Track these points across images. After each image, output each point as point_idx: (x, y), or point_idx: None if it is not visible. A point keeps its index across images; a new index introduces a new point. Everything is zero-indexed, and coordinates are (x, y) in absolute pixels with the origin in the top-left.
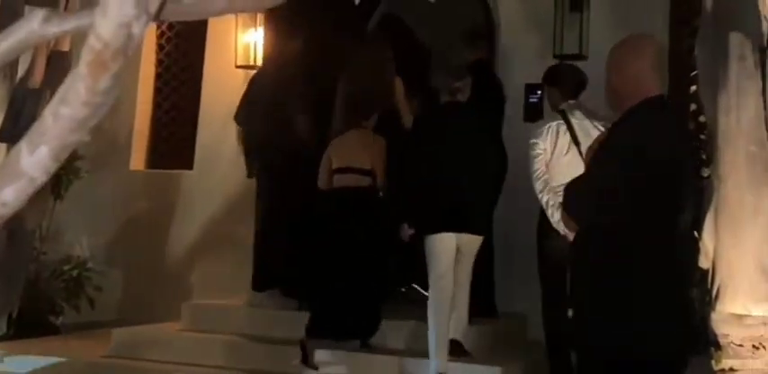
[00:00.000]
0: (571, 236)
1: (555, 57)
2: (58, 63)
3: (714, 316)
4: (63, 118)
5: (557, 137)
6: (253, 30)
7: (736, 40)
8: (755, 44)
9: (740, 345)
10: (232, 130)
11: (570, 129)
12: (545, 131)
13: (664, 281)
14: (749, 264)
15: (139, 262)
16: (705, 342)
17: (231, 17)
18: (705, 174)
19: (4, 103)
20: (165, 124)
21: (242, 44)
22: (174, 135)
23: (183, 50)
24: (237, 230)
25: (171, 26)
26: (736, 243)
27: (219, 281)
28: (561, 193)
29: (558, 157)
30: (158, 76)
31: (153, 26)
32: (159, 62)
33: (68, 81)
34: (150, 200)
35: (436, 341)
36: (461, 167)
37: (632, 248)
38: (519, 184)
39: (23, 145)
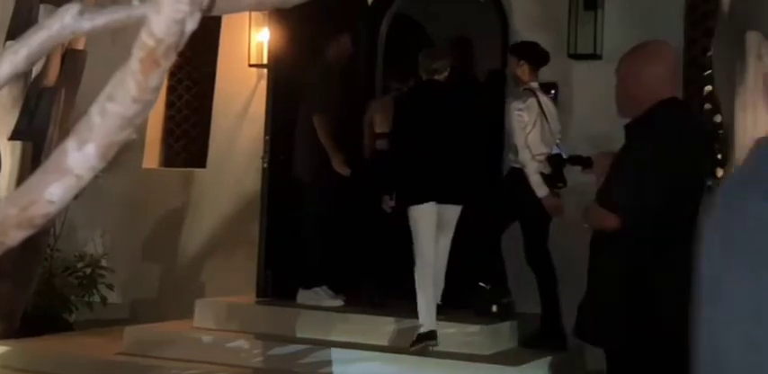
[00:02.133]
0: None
1: (569, 56)
2: (73, 62)
3: None
4: (111, 115)
5: (533, 112)
6: (266, 28)
7: (753, 39)
8: None
9: None
10: (245, 129)
11: (540, 106)
12: (528, 106)
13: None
14: None
15: (152, 259)
16: None
17: (244, 15)
18: (720, 175)
19: (19, 102)
20: (179, 122)
21: (255, 43)
22: (188, 133)
23: (196, 49)
24: (250, 228)
25: None
26: None
27: (232, 279)
28: (538, 159)
29: (533, 130)
30: (171, 75)
31: None
32: None
33: (117, 77)
34: (163, 199)
35: (426, 305)
36: (440, 141)
37: (669, 247)
38: None
39: (71, 141)
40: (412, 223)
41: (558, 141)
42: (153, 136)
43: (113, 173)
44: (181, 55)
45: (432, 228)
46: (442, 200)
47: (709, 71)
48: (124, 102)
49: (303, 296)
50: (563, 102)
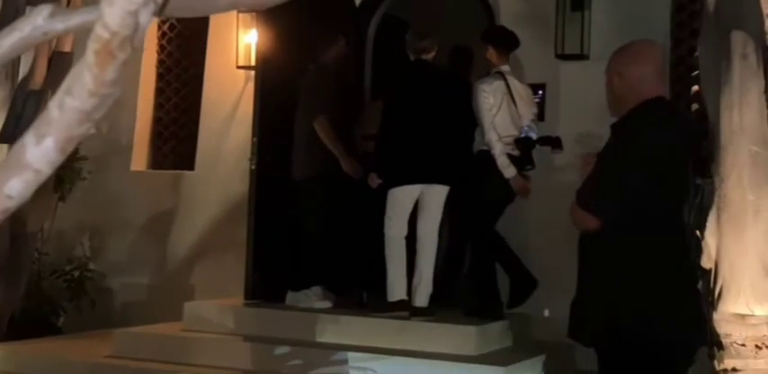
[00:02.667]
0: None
1: (557, 56)
2: (60, 64)
3: (716, 316)
4: (69, 109)
5: (499, 94)
6: (254, 30)
7: (738, 39)
8: (758, 43)
9: (743, 345)
10: (233, 130)
11: (509, 89)
12: (494, 88)
13: (681, 275)
14: (752, 264)
15: (141, 262)
16: (709, 335)
17: (232, 17)
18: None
19: (5, 105)
20: (167, 124)
21: (243, 44)
22: (176, 135)
23: (184, 51)
24: (239, 230)
25: (172, 27)
26: (738, 242)
27: (221, 281)
28: (504, 142)
29: (501, 113)
30: (160, 77)
31: (154, 27)
32: (161, 62)
33: (74, 71)
34: (152, 201)
35: (394, 279)
36: (426, 122)
37: (652, 243)
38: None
39: (29, 136)
40: (390, 201)
41: (528, 124)
42: (141, 138)
43: (102, 176)
44: (169, 57)
45: (407, 205)
46: (426, 180)
47: (697, 72)
48: (81, 96)
49: (292, 298)
50: (551, 101)
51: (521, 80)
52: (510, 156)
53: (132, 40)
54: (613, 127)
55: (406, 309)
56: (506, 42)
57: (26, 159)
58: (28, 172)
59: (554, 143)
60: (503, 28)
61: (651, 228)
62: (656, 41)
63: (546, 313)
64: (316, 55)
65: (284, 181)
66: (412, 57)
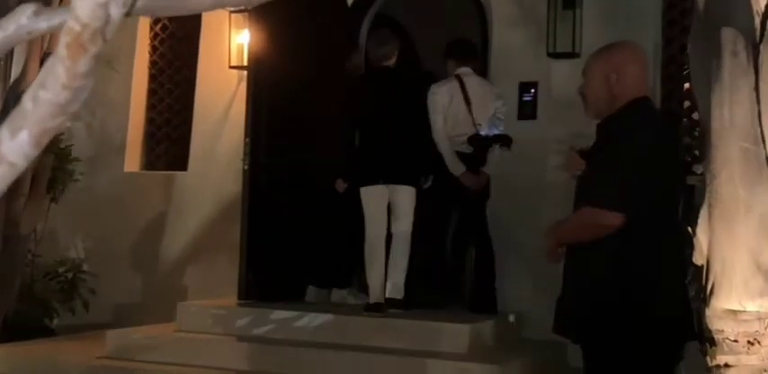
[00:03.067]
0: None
1: (548, 54)
2: None
3: (708, 312)
4: (43, 102)
5: (453, 96)
6: (246, 30)
7: (728, 36)
8: (748, 40)
9: (735, 341)
10: (226, 131)
11: (464, 90)
12: (445, 90)
13: (670, 271)
14: (743, 260)
15: (134, 263)
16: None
17: (224, 18)
18: (698, 171)
19: None
20: (160, 125)
21: (235, 44)
22: (169, 136)
23: (176, 52)
24: (232, 230)
25: (165, 27)
26: (729, 239)
27: (214, 282)
28: (457, 140)
29: (454, 113)
30: (152, 78)
31: (146, 28)
32: (153, 63)
33: (47, 65)
34: (145, 202)
35: (373, 281)
36: (388, 125)
37: (641, 239)
38: (518, 184)
39: (3, 130)
40: (363, 204)
41: (484, 122)
42: (134, 139)
43: (95, 177)
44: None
45: (380, 209)
46: (388, 180)
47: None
48: (54, 89)
49: (337, 295)
50: (542, 100)
51: (481, 81)
52: (464, 154)
53: (104, 33)
54: (600, 126)
55: (381, 311)
56: (461, 53)
57: (1, 152)
58: (2, 165)
59: (503, 141)
60: (457, 40)
61: (639, 225)
62: (633, 41)
63: (511, 318)
64: (342, 61)
65: (283, 181)
66: (374, 64)
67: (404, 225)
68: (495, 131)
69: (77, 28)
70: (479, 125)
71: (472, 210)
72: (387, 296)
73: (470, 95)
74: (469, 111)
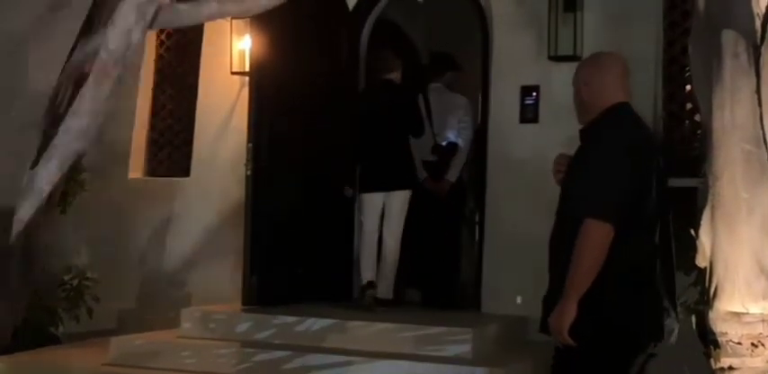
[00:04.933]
0: None
1: (550, 58)
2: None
3: (712, 315)
4: (71, 130)
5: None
6: (247, 36)
7: (729, 37)
8: (749, 42)
9: (738, 343)
10: (229, 136)
11: (427, 104)
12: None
13: (663, 271)
14: (746, 262)
15: (138, 269)
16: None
17: (226, 24)
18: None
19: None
20: (162, 131)
21: (237, 50)
22: (171, 142)
23: (179, 58)
24: (235, 235)
25: (169, 35)
26: (732, 241)
27: (218, 288)
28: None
29: None
30: (155, 84)
31: (153, 37)
32: (158, 71)
33: (80, 93)
34: (149, 208)
35: (365, 264)
36: (388, 136)
37: (622, 240)
38: (520, 188)
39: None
40: (362, 205)
41: (437, 133)
42: (137, 145)
43: (99, 184)
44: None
45: (374, 212)
46: (388, 188)
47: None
48: (81, 115)
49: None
50: (544, 103)
51: (447, 95)
52: (428, 162)
53: (124, 57)
54: (583, 132)
55: (374, 288)
56: (432, 70)
57: (35, 184)
58: (35, 194)
59: (452, 149)
60: (431, 57)
61: (623, 226)
62: (617, 53)
63: (519, 299)
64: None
65: (286, 186)
66: (380, 77)
67: (394, 226)
68: (452, 140)
69: (104, 56)
70: (437, 135)
71: (436, 212)
72: (379, 296)
73: (432, 108)
74: (430, 123)
